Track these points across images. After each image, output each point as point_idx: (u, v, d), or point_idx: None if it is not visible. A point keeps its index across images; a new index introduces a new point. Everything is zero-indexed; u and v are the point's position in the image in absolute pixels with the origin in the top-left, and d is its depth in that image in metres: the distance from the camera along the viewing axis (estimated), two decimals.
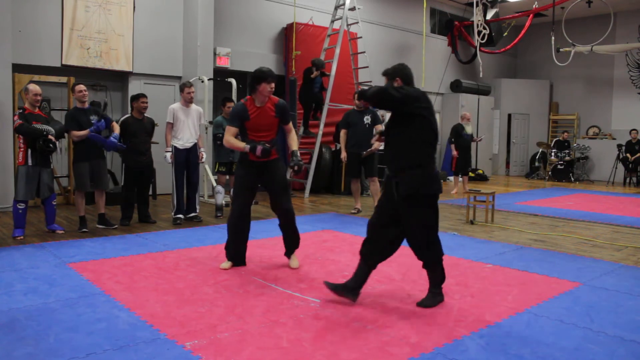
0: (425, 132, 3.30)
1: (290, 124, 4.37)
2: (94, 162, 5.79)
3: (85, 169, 5.72)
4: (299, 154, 4.19)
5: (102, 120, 5.75)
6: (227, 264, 4.34)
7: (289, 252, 4.51)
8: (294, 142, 4.29)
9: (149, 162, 6.44)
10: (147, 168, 6.42)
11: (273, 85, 4.09)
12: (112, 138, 5.77)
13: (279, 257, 4.71)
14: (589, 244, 5.56)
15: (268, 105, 4.16)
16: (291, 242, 4.47)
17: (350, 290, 3.47)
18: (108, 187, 6.20)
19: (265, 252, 4.88)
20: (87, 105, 5.83)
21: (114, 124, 5.96)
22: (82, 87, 5.77)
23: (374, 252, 3.46)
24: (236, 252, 4.36)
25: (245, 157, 4.19)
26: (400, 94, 3.22)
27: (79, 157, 5.74)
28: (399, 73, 3.42)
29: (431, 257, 3.42)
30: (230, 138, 4.15)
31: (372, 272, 3.52)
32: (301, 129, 9.64)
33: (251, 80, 4.13)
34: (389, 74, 3.46)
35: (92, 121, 5.74)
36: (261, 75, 4.04)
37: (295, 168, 4.15)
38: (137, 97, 6.33)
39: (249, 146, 4.05)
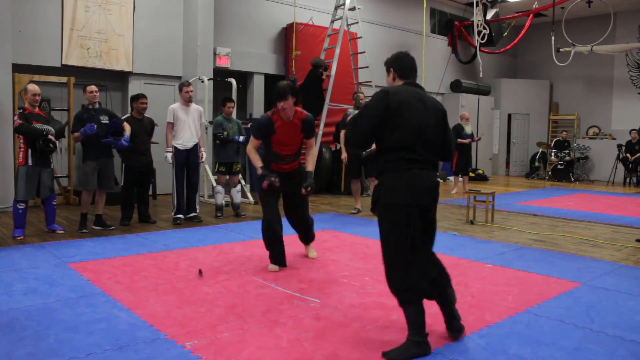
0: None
1: (312, 140, 4.39)
2: (102, 162, 5.80)
3: (92, 167, 5.72)
4: (312, 176, 4.24)
5: (115, 120, 5.78)
6: (273, 267, 4.32)
7: (306, 242, 4.75)
8: (311, 162, 4.31)
9: (149, 162, 6.44)
10: (147, 168, 6.41)
11: (283, 103, 4.01)
12: (122, 141, 5.77)
13: None
14: (589, 244, 5.56)
15: (295, 120, 4.17)
16: (306, 237, 4.72)
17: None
18: (113, 188, 6.20)
19: (265, 252, 4.87)
20: (97, 105, 5.83)
21: (125, 124, 5.97)
22: (93, 87, 5.76)
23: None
24: (279, 255, 4.35)
25: (269, 166, 4.26)
26: (354, 125, 2.81)
27: (88, 156, 5.74)
28: (392, 64, 2.96)
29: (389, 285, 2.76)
30: (252, 150, 4.22)
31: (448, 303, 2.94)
32: None
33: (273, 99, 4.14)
34: (386, 64, 3.01)
35: (102, 121, 5.74)
36: (275, 94, 4.03)
37: (309, 189, 4.18)
38: (136, 98, 6.34)
39: (261, 172, 4.13)
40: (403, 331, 2.98)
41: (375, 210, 2.82)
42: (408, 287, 2.67)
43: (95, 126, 5.60)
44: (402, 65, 2.94)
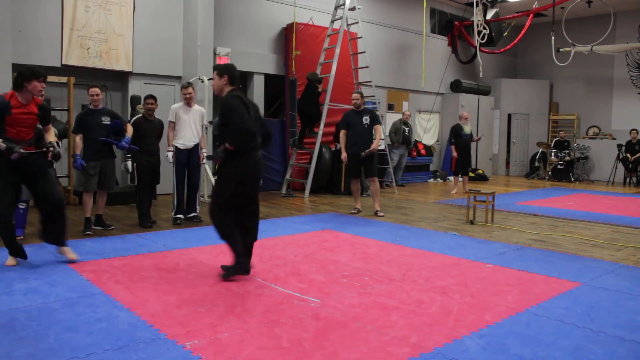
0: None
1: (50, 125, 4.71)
2: (102, 162, 5.79)
3: (92, 168, 5.71)
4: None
5: (117, 120, 5.78)
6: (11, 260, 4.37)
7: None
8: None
9: (158, 162, 6.44)
10: (156, 168, 6.41)
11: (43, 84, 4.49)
12: (123, 142, 5.75)
13: (279, 257, 4.72)
14: (589, 244, 5.56)
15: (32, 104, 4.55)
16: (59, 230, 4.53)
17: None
18: (113, 189, 6.19)
19: (265, 252, 4.88)
20: (100, 106, 5.81)
21: (128, 125, 5.96)
22: (93, 90, 5.71)
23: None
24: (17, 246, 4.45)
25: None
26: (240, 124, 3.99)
27: (90, 157, 5.72)
28: (227, 71, 4.36)
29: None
30: None
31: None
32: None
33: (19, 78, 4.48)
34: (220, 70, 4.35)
35: (104, 122, 5.72)
36: (29, 74, 4.50)
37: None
38: (144, 99, 6.36)
39: (4, 146, 4.12)
40: (403, 331, 2.99)
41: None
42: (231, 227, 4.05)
43: (82, 163, 5.60)
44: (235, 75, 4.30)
